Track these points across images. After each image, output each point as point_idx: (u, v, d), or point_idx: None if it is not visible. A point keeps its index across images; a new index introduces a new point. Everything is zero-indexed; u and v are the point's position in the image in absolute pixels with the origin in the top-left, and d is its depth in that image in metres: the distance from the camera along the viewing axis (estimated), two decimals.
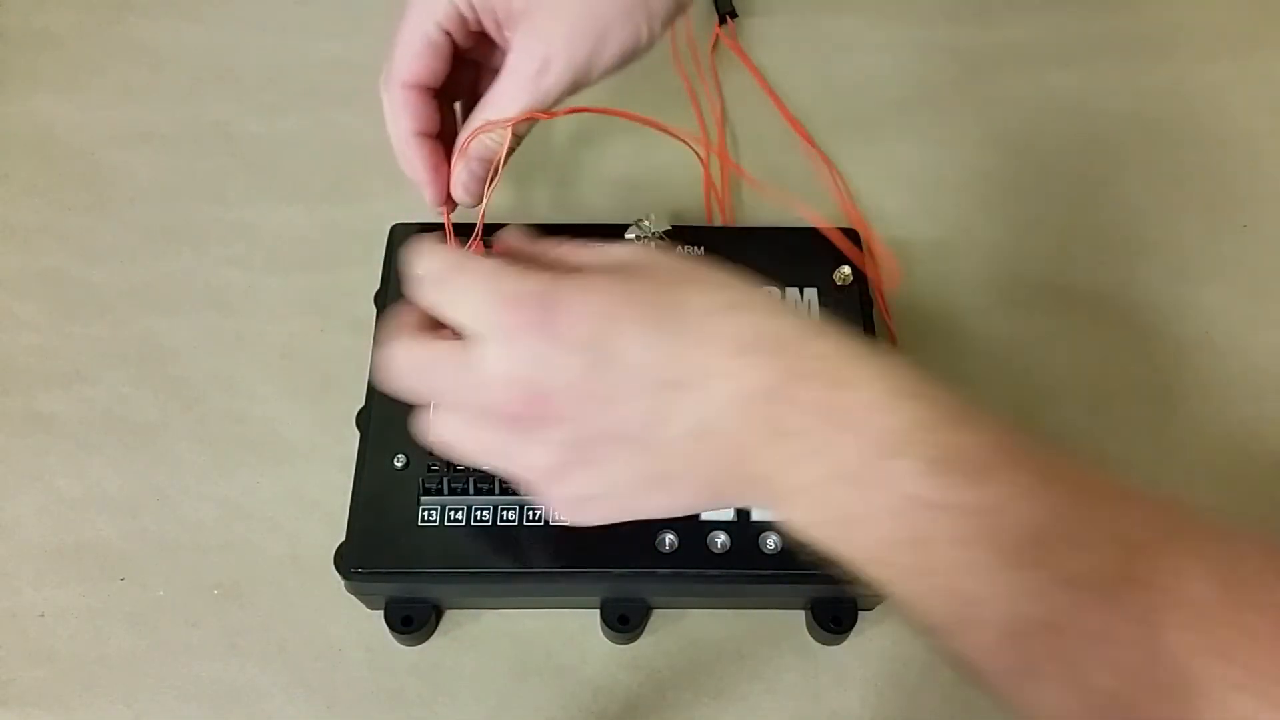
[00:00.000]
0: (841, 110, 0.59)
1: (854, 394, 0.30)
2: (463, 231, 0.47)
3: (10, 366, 0.50)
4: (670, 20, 0.40)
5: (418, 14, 0.40)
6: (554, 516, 0.36)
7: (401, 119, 0.41)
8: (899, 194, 0.56)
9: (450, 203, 0.43)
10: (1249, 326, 0.52)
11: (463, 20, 0.40)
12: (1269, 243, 0.55)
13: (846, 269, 0.48)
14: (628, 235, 0.48)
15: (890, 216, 0.55)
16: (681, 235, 0.48)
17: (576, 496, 0.34)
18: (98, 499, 0.46)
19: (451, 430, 0.34)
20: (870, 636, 0.44)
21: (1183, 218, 0.56)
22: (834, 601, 0.43)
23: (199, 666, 0.43)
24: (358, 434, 0.44)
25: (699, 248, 0.47)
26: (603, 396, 0.31)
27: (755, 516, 0.41)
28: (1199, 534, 0.28)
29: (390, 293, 0.47)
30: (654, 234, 0.47)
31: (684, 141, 0.44)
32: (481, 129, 0.40)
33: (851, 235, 0.49)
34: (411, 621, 0.42)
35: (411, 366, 0.34)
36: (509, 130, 0.40)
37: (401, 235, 0.49)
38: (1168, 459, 0.48)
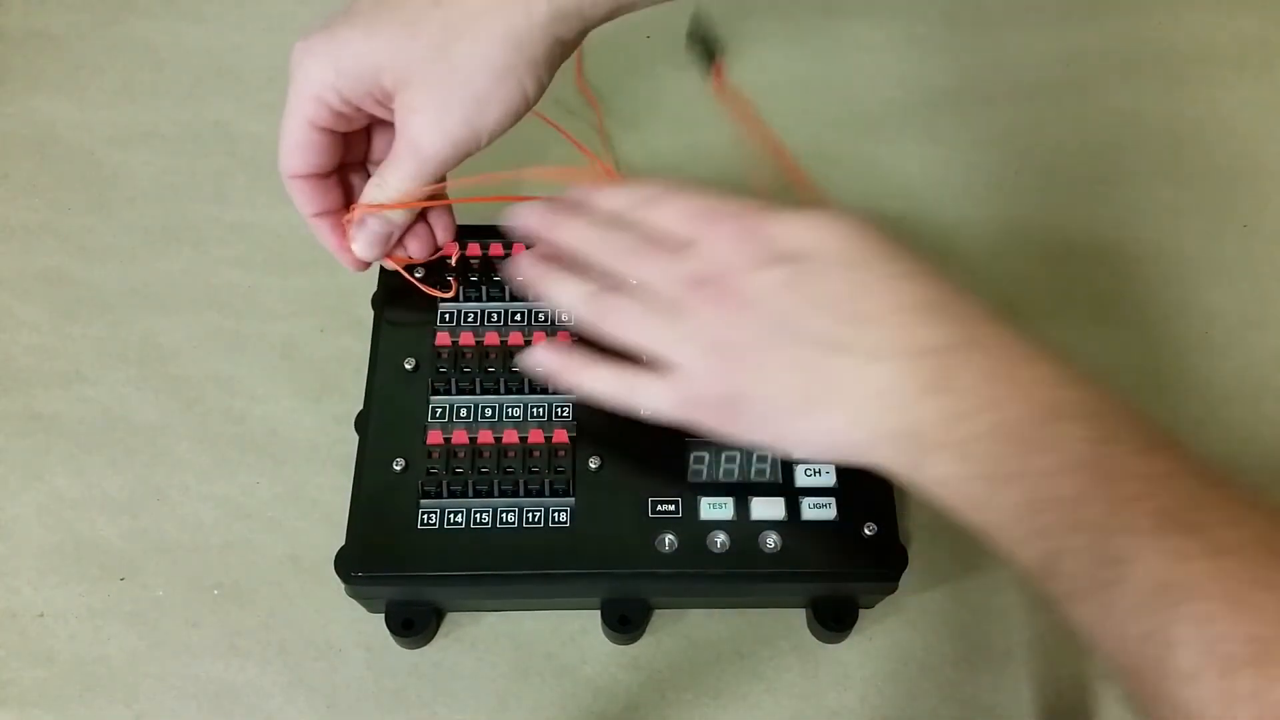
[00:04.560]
0: (842, 110, 0.59)
1: (1025, 369, 0.33)
2: (470, 234, 0.47)
3: (10, 366, 0.50)
4: (557, 66, 0.40)
5: (292, 113, 0.40)
6: (686, 358, 0.36)
7: (298, 204, 0.42)
8: (899, 195, 0.56)
9: (364, 265, 0.44)
10: (1249, 326, 0.52)
11: (339, 114, 0.40)
12: (1269, 243, 0.55)
13: None
14: None
15: (890, 217, 0.55)
16: None
17: (725, 342, 0.35)
18: (98, 499, 0.46)
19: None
20: (870, 636, 0.44)
21: (1183, 218, 0.56)
22: (834, 600, 0.43)
23: (199, 666, 0.43)
24: (357, 435, 0.44)
25: None
26: (793, 302, 0.34)
27: (755, 516, 0.41)
28: None
29: (389, 294, 0.47)
30: None
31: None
32: (360, 208, 0.42)
33: None
34: (412, 625, 0.42)
35: (629, 243, 0.37)
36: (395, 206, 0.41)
37: None
38: None
